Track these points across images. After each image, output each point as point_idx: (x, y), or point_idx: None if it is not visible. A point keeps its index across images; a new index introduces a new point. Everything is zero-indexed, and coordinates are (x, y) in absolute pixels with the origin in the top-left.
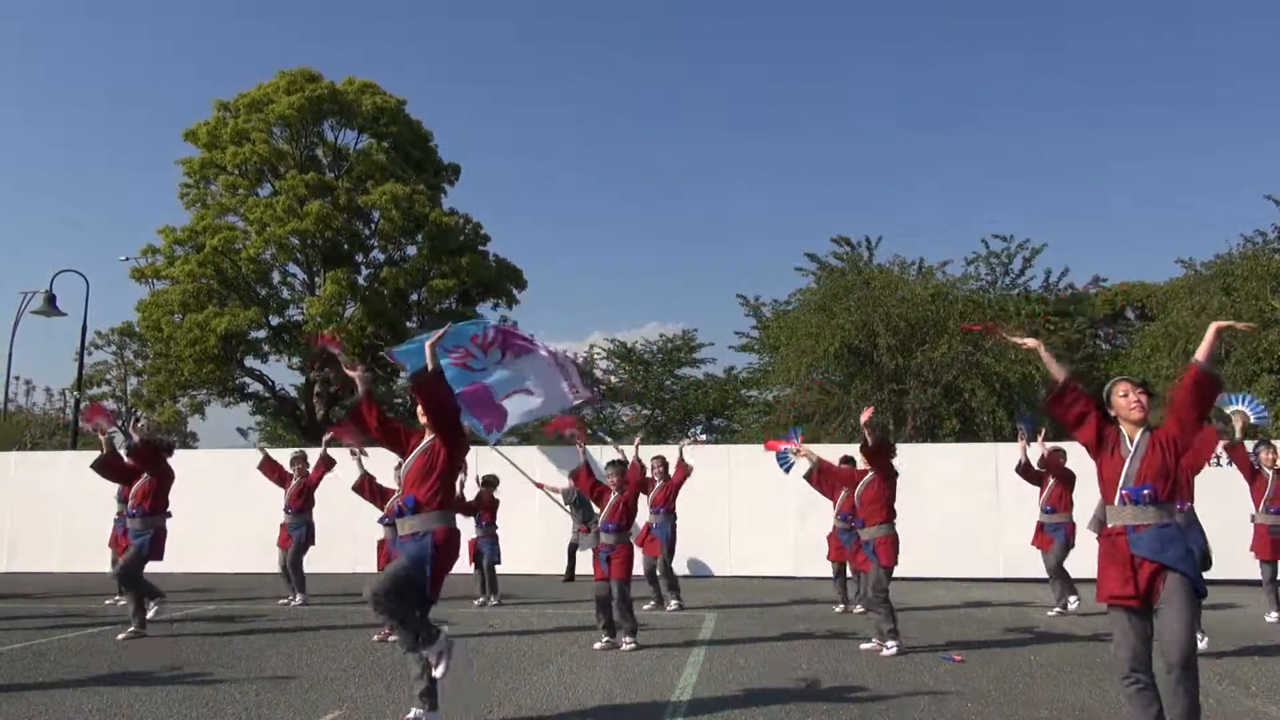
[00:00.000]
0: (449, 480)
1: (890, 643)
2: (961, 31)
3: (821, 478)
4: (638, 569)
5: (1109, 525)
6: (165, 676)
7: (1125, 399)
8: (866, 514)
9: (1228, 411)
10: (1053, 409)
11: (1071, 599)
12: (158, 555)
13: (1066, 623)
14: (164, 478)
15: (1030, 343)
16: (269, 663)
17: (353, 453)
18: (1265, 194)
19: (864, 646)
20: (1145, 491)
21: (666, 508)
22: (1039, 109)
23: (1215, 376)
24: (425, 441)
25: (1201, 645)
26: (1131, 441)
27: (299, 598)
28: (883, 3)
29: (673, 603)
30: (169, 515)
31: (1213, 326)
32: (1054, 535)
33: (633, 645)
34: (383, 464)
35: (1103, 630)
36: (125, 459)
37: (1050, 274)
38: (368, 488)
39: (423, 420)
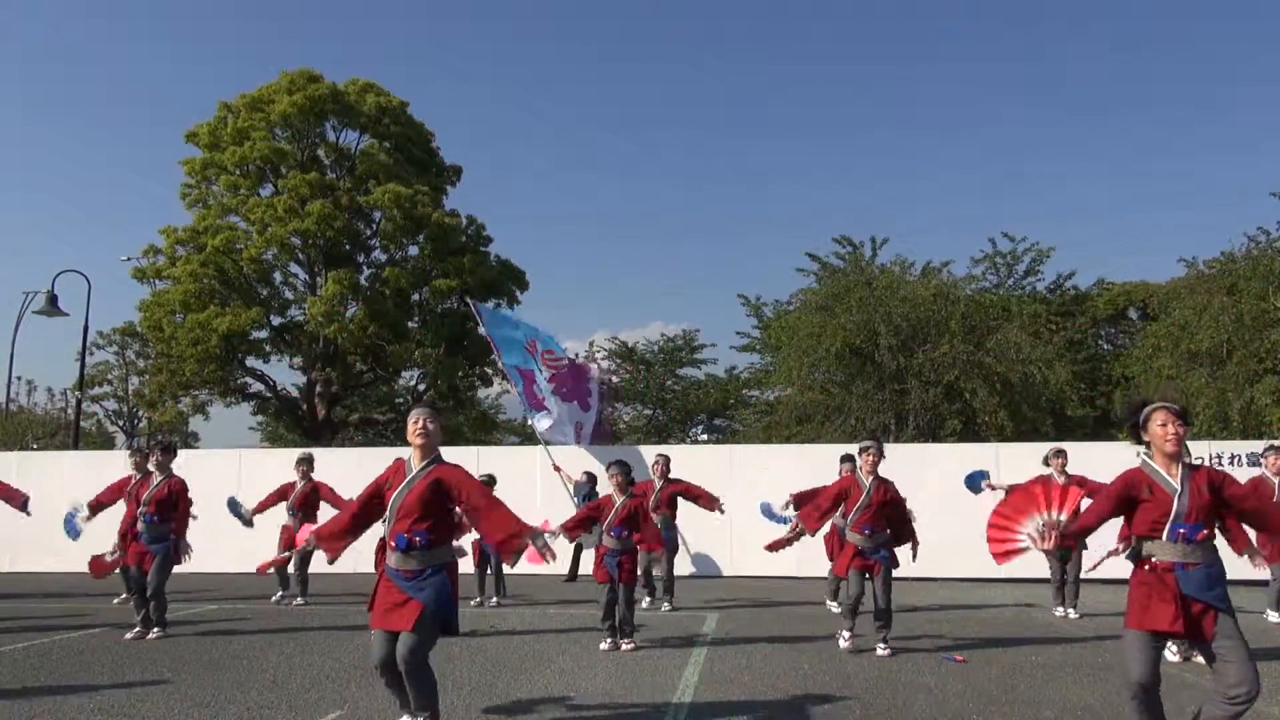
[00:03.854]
0: (453, 514)
1: (879, 642)
2: (965, 32)
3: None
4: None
5: (1154, 559)
6: (165, 676)
7: (1164, 429)
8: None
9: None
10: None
11: (1071, 611)
12: (177, 560)
13: (1068, 623)
14: (183, 486)
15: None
16: (269, 663)
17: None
18: (1271, 192)
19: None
20: (1201, 532)
21: (669, 508)
22: (1041, 109)
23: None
24: (420, 470)
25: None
26: (1172, 477)
27: (279, 595)
28: (886, 2)
29: (665, 604)
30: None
31: None
32: None
33: (632, 646)
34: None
35: (1104, 631)
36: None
37: (1060, 276)
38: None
39: (416, 442)
